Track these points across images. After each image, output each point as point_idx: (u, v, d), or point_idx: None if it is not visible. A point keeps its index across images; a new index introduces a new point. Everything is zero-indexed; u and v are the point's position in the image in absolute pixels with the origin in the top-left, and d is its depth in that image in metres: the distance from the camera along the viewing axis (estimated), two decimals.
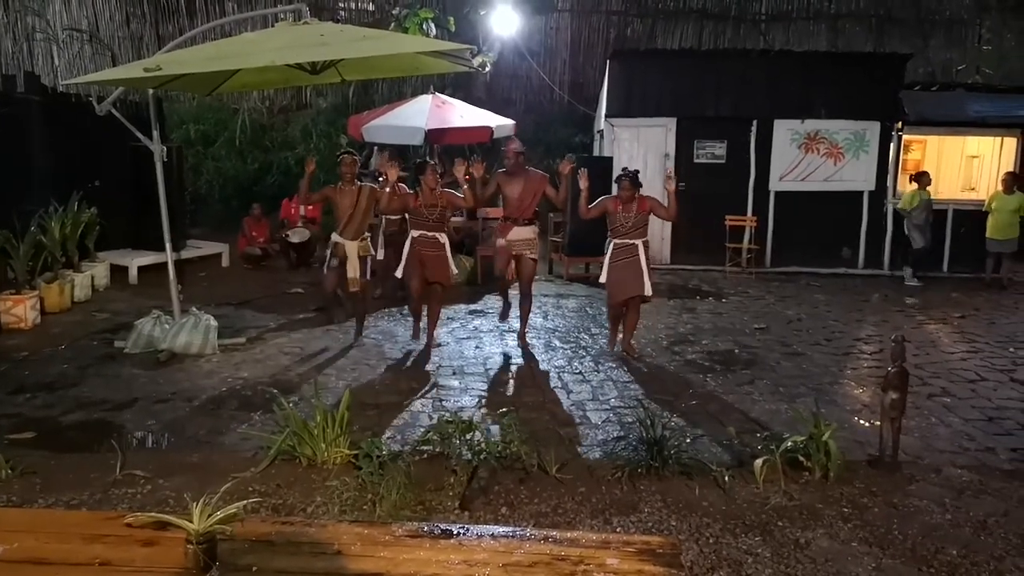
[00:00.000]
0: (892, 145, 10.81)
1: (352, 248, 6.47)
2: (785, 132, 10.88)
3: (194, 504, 1.83)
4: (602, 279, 6.45)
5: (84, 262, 8.42)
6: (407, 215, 6.62)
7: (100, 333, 6.86)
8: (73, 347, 6.43)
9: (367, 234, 6.70)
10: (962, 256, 10.75)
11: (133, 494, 3.69)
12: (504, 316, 7.04)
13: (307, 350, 6.49)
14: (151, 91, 6.46)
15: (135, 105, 9.93)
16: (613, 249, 6.33)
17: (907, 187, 10.38)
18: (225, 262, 10.37)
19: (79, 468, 3.99)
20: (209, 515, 1.82)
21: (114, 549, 1.86)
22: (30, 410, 5.00)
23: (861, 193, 10.94)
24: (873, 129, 10.79)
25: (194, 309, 6.61)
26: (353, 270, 6.48)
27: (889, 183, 10.88)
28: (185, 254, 9.51)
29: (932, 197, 10.03)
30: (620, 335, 6.63)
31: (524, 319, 6.84)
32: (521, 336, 6.81)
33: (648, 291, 6.28)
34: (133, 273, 9.00)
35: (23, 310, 6.84)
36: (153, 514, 1.99)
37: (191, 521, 1.79)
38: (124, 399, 5.22)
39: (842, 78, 10.75)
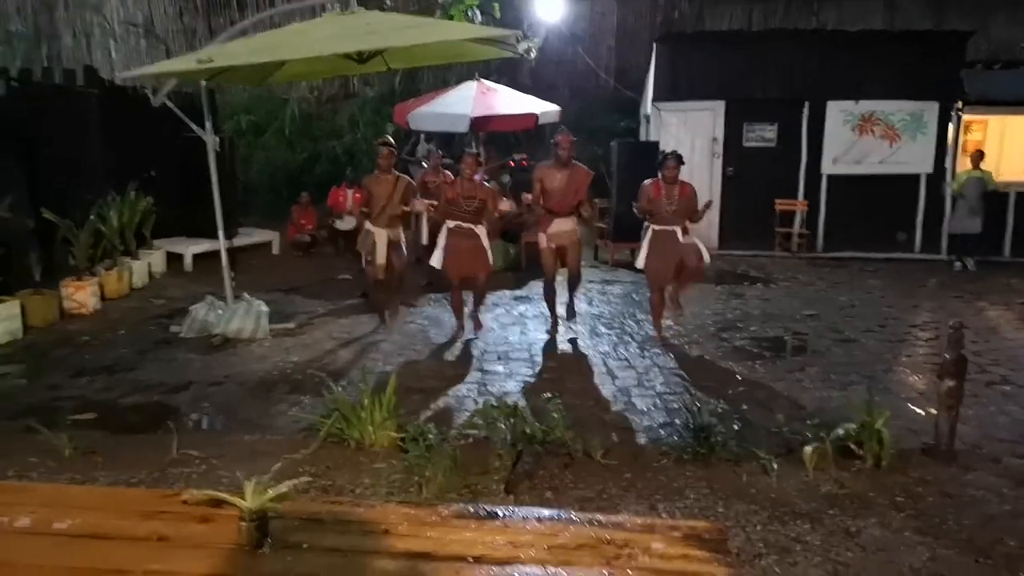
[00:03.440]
0: (951, 126, 10.44)
1: (382, 236, 6.41)
2: (838, 114, 10.59)
3: (247, 483, 1.87)
4: (639, 264, 6.36)
5: (141, 250, 8.67)
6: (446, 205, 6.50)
7: (156, 318, 7.07)
8: (131, 332, 6.64)
9: (399, 224, 6.61)
10: None
11: (188, 473, 3.81)
12: (554, 329, 6.70)
13: (354, 335, 6.59)
14: (203, 83, 6.59)
15: (188, 97, 10.15)
16: (652, 235, 6.22)
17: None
18: (275, 249, 10.58)
19: (137, 448, 4.14)
20: (261, 494, 1.86)
21: (171, 525, 1.92)
22: (91, 392, 5.19)
23: (918, 176, 10.60)
24: (931, 109, 10.43)
25: (246, 295, 6.76)
26: (382, 256, 6.41)
27: (948, 165, 10.51)
28: (237, 242, 9.71)
29: (986, 176, 9.65)
30: (664, 320, 6.57)
31: (573, 291, 6.89)
32: (569, 308, 6.85)
33: (706, 258, 6.27)
34: (188, 260, 9.25)
35: (84, 296, 7.08)
36: (208, 492, 2.04)
37: (244, 499, 1.84)
38: (179, 382, 5.37)
39: (899, 57, 10.40)
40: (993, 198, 9.77)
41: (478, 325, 6.65)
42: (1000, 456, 4.12)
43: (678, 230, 6.13)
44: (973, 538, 3.25)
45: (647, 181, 6.31)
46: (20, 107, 7.65)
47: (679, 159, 6.14)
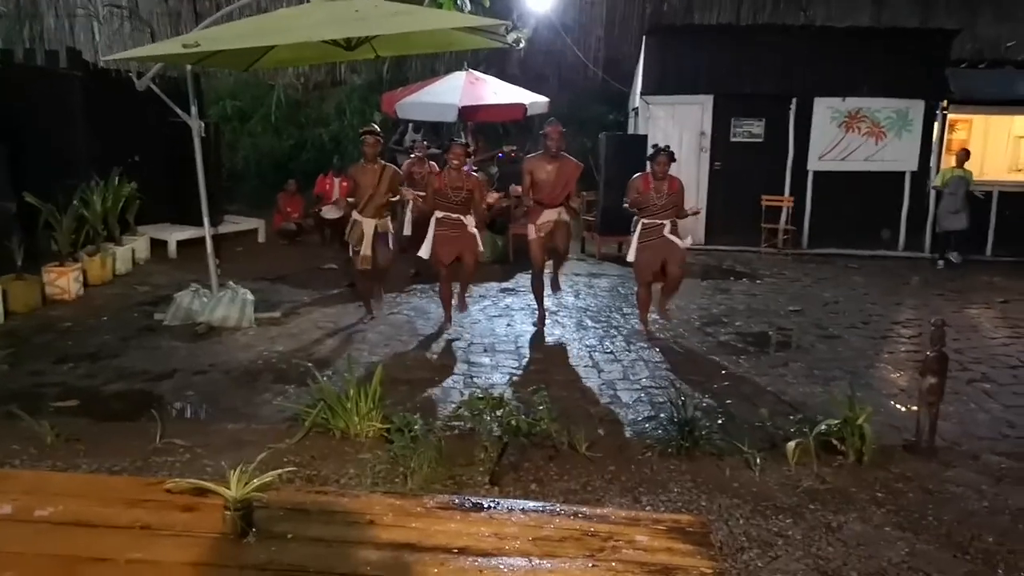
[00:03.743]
0: (936, 124, 10.52)
1: (370, 226, 6.34)
2: (825, 110, 10.64)
3: (232, 472, 1.87)
4: (629, 258, 6.37)
5: (125, 236, 8.60)
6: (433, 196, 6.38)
7: (140, 305, 7.01)
8: (115, 319, 6.58)
9: (386, 213, 6.54)
10: (1007, 240, 10.47)
11: (172, 462, 3.79)
12: (541, 321, 6.66)
13: (340, 325, 6.56)
14: (189, 67, 6.52)
15: (173, 81, 10.04)
16: (642, 229, 6.22)
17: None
18: (261, 237, 10.51)
19: (120, 436, 4.11)
20: (246, 483, 1.85)
21: (155, 514, 1.91)
22: (74, 379, 5.15)
23: (903, 174, 10.68)
24: (917, 108, 10.51)
25: (231, 283, 6.72)
26: (367, 247, 6.34)
27: (932, 163, 10.59)
28: (222, 229, 9.65)
29: (968, 176, 9.75)
30: (651, 314, 6.60)
31: (558, 267, 6.94)
32: (554, 282, 6.88)
33: (688, 242, 6.33)
34: (172, 247, 9.17)
35: (67, 282, 7.01)
36: (192, 481, 2.03)
37: (229, 488, 1.83)
38: (163, 370, 5.34)
39: (885, 55, 10.46)
40: (974, 198, 9.88)
41: (463, 306, 6.67)
42: (979, 453, 4.17)
43: (667, 224, 6.14)
44: (952, 533, 3.30)
45: (636, 175, 6.32)
46: (1, 89, 7.54)
47: (671, 155, 6.13)
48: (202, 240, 6.83)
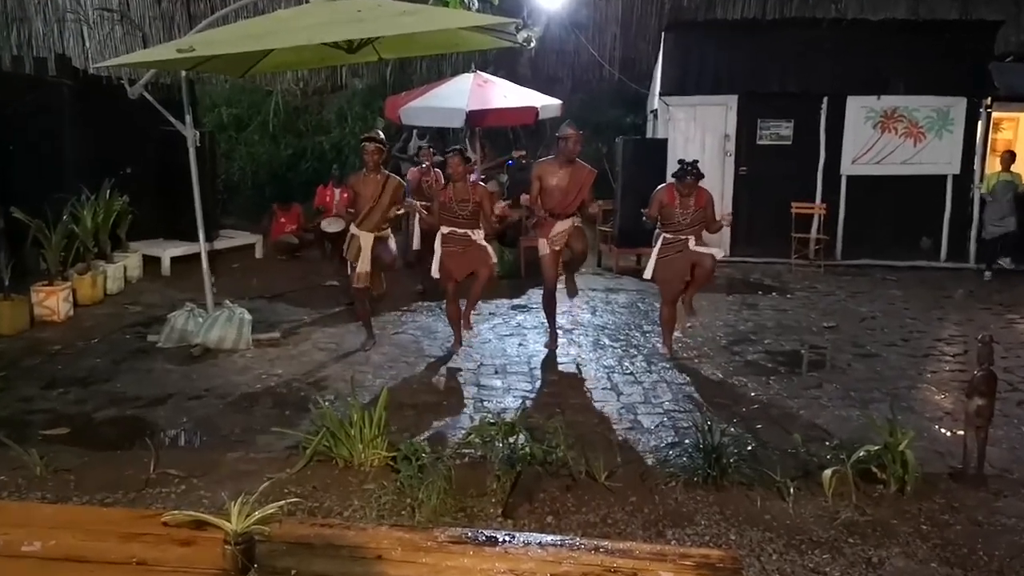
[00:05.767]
0: (980, 123, 10.50)
1: (368, 240, 6.22)
2: (859, 110, 10.64)
3: (232, 504, 1.89)
4: (647, 275, 6.31)
5: (116, 252, 8.68)
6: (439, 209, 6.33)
7: (133, 326, 7.08)
8: (106, 341, 6.65)
9: (386, 226, 6.41)
10: None
11: (167, 493, 3.82)
12: (553, 343, 6.60)
13: (343, 346, 6.60)
14: (183, 73, 6.62)
15: (167, 88, 10.18)
16: (663, 244, 6.14)
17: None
18: (258, 253, 10.60)
19: (113, 466, 4.14)
20: (247, 515, 1.87)
21: (151, 548, 1.93)
22: (63, 405, 5.20)
23: (944, 177, 10.66)
24: (958, 106, 10.49)
25: (227, 302, 6.78)
26: (366, 263, 6.23)
27: (976, 166, 10.56)
28: (218, 244, 9.74)
29: (1016, 179, 9.71)
30: (675, 332, 6.59)
31: (575, 269, 6.81)
32: (570, 286, 6.75)
33: (719, 255, 6.26)
34: (165, 264, 9.27)
35: (56, 302, 7.09)
36: (190, 513, 2.06)
37: (229, 521, 1.85)
38: (157, 395, 5.39)
39: (923, 49, 10.46)
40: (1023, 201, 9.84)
41: (467, 324, 6.47)
42: None
43: (692, 239, 6.06)
44: (1004, 570, 3.27)
45: (661, 186, 6.30)
46: None
47: (698, 174, 6.02)
48: (197, 256, 6.90)
